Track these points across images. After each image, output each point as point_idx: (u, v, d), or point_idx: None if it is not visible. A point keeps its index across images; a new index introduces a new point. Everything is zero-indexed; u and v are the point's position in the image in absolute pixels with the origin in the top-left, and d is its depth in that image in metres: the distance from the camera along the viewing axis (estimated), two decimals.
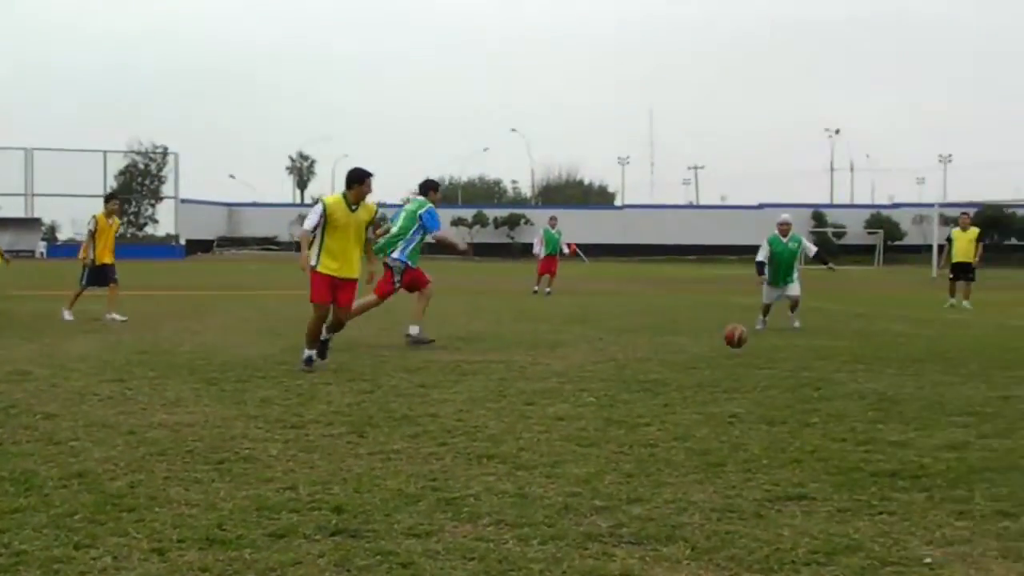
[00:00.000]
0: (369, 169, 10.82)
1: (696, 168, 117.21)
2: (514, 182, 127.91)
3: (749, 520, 5.01)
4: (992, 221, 72.71)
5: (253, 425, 7.36)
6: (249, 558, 4.38)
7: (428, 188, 13.62)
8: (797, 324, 15.79)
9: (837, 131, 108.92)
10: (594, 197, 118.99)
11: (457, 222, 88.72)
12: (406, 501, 5.28)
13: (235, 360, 11.00)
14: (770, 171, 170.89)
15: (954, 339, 14.64)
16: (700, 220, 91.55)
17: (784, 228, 16.21)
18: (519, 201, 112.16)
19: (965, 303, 22.67)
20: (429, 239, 13.48)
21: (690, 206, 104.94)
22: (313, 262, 10.54)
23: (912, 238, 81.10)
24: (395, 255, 12.96)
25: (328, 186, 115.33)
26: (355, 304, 11.55)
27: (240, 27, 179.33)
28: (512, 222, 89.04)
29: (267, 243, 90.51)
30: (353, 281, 10.76)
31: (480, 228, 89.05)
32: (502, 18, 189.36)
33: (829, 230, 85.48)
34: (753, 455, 6.48)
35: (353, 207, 10.58)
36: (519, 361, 11.19)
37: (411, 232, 13.02)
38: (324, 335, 10.80)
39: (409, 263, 13.02)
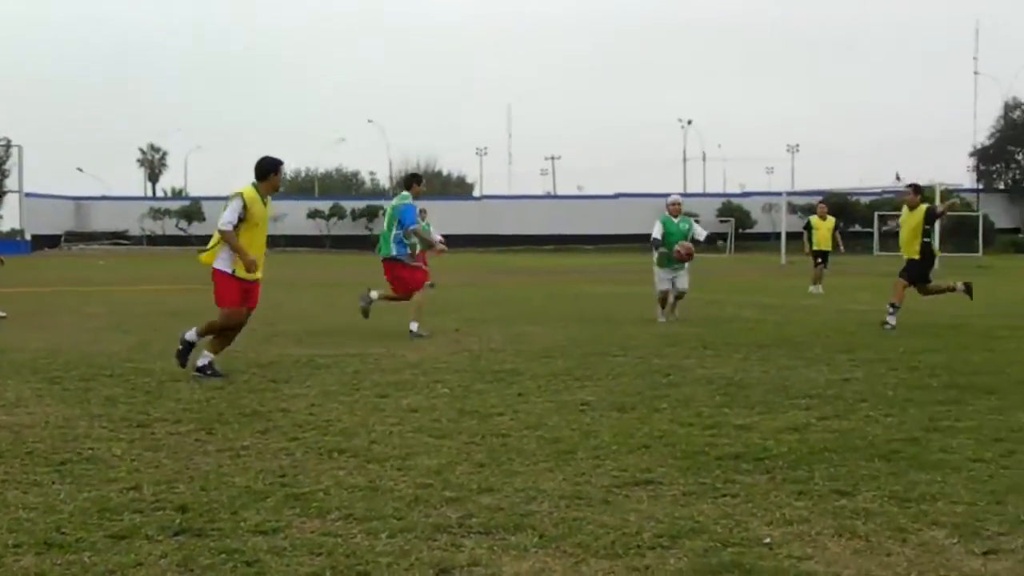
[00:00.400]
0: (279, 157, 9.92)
1: (553, 159, 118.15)
2: (372, 173, 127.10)
3: (597, 506, 5.08)
4: (838, 208, 74.99)
5: (97, 424, 7.17)
6: (88, 561, 4.26)
7: (411, 182, 14.06)
8: (676, 314, 15.74)
9: (689, 122, 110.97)
10: (452, 188, 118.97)
11: (314, 214, 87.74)
12: (254, 498, 5.21)
13: (80, 358, 10.69)
14: (625, 161, 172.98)
15: (800, 324, 15.07)
16: (558, 210, 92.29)
17: (675, 208, 16.05)
18: (377, 192, 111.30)
19: (811, 288, 23.39)
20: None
21: (548, 196, 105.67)
22: (225, 266, 9.50)
23: (762, 226, 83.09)
24: (395, 253, 13.43)
25: (181, 178, 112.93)
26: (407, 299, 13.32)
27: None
28: (370, 214, 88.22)
29: (117, 238, 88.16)
30: (259, 281, 9.83)
31: (338, 220, 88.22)
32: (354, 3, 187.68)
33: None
34: (603, 442, 6.57)
35: (265, 200, 9.70)
36: (374, 354, 11.14)
37: (395, 229, 13.40)
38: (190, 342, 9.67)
39: (408, 255, 13.47)
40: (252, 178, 9.76)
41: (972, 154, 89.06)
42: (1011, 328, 14.22)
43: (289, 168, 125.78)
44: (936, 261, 15.44)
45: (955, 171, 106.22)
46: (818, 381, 9.20)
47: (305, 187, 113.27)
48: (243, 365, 10.21)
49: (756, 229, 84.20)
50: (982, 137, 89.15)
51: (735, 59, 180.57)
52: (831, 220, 24.58)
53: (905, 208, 15.26)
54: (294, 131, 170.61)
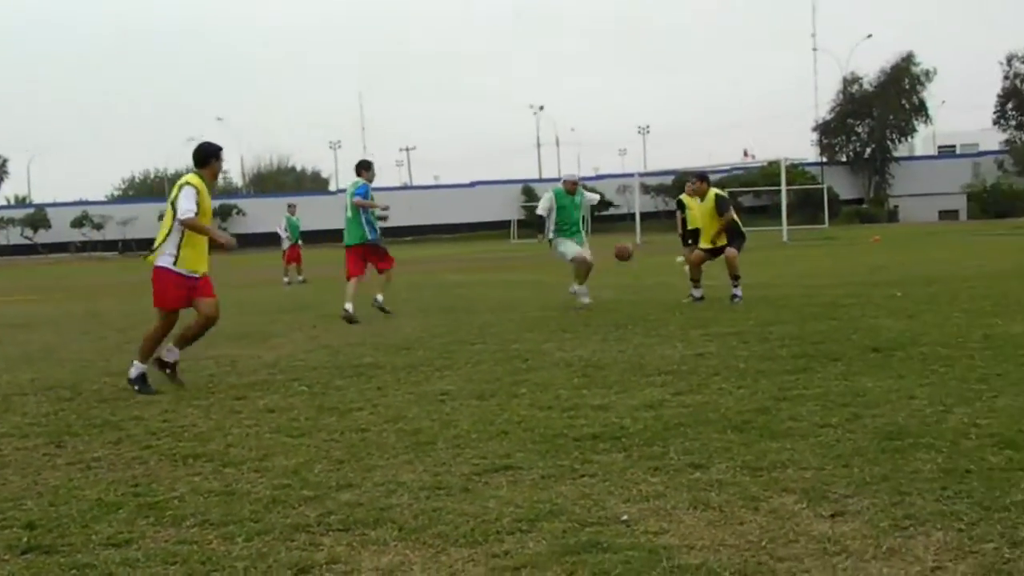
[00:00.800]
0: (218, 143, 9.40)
1: (408, 149, 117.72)
2: (224, 172, 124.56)
3: (457, 495, 5.09)
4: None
5: None
6: None
7: (360, 169, 15.35)
8: (586, 300, 14.70)
9: (541, 107, 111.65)
10: (308, 183, 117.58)
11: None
12: (105, 510, 5.06)
13: None
14: (480, 149, 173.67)
15: (655, 302, 15.30)
16: (414, 201, 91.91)
17: (571, 186, 15.14)
18: (230, 191, 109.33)
19: (680, 259, 23.77)
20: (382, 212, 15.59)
21: (404, 187, 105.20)
22: (167, 261, 8.88)
23: (617, 207, 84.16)
24: (371, 237, 14.98)
25: (24, 185, 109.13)
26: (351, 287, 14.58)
27: None
28: (223, 213, 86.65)
29: None
30: (207, 276, 9.17)
31: None
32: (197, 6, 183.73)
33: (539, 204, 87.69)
34: (463, 431, 6.58)
35: (209, 189, 9.14)
36: (229, 355, 10.94)
37: (362, 212, 14.89)
38: (172, 355, 9.11)
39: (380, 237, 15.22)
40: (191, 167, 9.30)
41: (815, 128, 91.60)
42: (855, 296, 14.71)
43: (137, 170, 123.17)
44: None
45: (800, 146, 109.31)
46: (673, 357, 9.37)
47: (155, 189, 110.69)
48: (94, 375, 9.93)
49: (612, 211, 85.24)
50: (824, 112, 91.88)
51: (583, 43, 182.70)
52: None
53: (690, 197, 15.47)
54: (140, 132, 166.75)
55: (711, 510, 4.67)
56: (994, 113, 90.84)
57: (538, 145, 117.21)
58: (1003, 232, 44.68)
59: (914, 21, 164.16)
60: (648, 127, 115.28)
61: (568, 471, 5.46)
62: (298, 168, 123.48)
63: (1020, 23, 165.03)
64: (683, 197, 24.79)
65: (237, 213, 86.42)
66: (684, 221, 24.06)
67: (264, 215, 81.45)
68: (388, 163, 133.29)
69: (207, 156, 9.26)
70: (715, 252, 15.17)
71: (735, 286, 14.64)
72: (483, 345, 10.89)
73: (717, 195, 15.14)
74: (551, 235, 15.19)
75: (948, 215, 79.99)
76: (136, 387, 8.74)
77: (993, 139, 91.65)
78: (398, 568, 4.11)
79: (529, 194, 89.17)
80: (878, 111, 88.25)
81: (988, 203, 78.70)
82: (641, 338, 10.89)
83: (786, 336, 10.43)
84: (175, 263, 8.92)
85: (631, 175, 72.13)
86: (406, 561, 4.18)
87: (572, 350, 10.20)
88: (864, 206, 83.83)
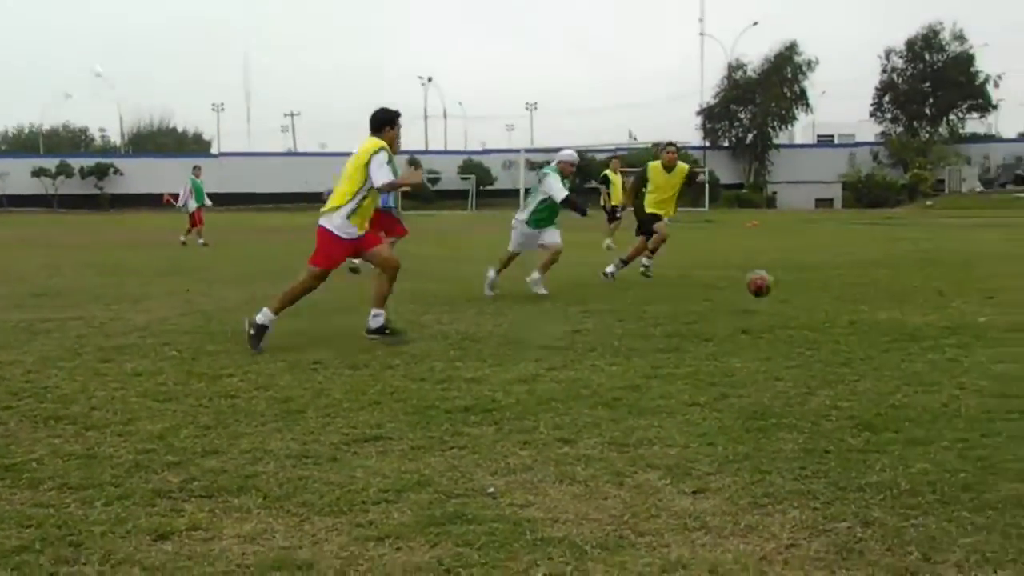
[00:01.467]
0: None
1: (293, 115, 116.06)
2: (102, 130, 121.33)
3: (324, 464, 5.06)
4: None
5: None
6: None
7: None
8: (543, 291, 12.89)
9: (430, 79, 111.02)
10: (189, 145, 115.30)
11: (39, 172, 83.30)
12: None
13: None
14: (367, 118, 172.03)
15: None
16: (300, 167, 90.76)
17: (569, 169, 13.53)
18: (108, 150, 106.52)
19: (607, 243, 23.92)
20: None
21: (289, 153, 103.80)
22: (336, 224, 9.00)
23: (502, 183, 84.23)
24: (379, 204, 14.69)
25: None
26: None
27: None
28: (100, 172, 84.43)
29: None
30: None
31: (65, 179, 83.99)
32: None
33: (425, 176, 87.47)
34: (334, 400, 6.55)
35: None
36: (99, 317, 10.69)
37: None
38: (378, 321, 9.18)
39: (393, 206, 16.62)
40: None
41: (699, 113, 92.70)
42: (730, 279, 14.93)
43: (11, 124, 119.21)
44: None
45: (685, 129, 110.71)
46: (550, 333, 9.43)
47: (28, 145, 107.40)
48: None
49: (497, 186, 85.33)
50: (708, 97, 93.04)
51: (475, 17, 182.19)
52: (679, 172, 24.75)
53: (658, 167, 15.30)
54: (14, 84, 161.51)
55: (576, 484, 4.72)
56: (871, 105, 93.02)
57: (425, 117, 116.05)
58: (875, 221, 45.87)
59: (799, 11, 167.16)
60: (536, 104, 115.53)
61: (438, 443, 5.47)
62: (179, 129, 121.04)
63: (899, 18, 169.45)
64: (607, 173, 25.21)
65: (115, 173, 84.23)
66: (609, 196, 24.46)
67: (143, 175, 79.64)
68: (273, 128, 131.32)
69: (381, 124, 9.24)
70: (655, 220, 15.23)
71: (648, 260, 14.97)
72: (359, 315, 10.79)
73: (690, 168, 15.45)
74: (524, 218, 13.37)
75: (824, 203, 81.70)
76: (385, 335, 9.03)
77: (869, 131, 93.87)
78: (260, 536, 4.07)
79: (414, 165, 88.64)
80: (761, 98, 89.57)
81: (862, 193, 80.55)
82: (519, 313, 10.94)
83: (661, 316, 10.58)
84: (340, 227, 8.99)
85: (517, 151, 72.22)
86: (269, 529, 4.14)
87: (450, 323, 10.20)
88: (744, 191, 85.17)
